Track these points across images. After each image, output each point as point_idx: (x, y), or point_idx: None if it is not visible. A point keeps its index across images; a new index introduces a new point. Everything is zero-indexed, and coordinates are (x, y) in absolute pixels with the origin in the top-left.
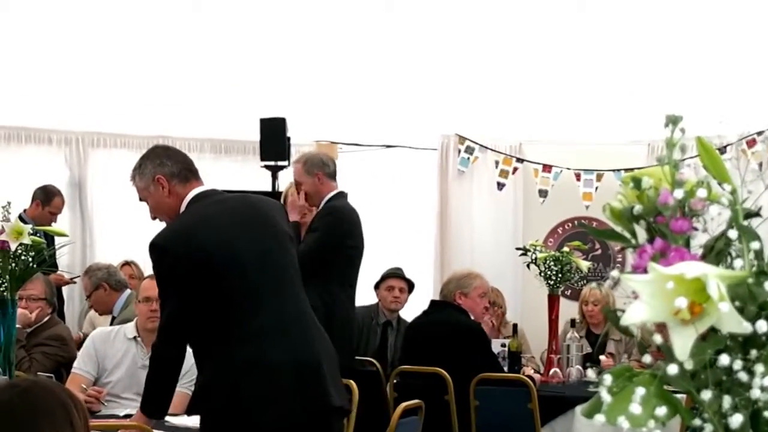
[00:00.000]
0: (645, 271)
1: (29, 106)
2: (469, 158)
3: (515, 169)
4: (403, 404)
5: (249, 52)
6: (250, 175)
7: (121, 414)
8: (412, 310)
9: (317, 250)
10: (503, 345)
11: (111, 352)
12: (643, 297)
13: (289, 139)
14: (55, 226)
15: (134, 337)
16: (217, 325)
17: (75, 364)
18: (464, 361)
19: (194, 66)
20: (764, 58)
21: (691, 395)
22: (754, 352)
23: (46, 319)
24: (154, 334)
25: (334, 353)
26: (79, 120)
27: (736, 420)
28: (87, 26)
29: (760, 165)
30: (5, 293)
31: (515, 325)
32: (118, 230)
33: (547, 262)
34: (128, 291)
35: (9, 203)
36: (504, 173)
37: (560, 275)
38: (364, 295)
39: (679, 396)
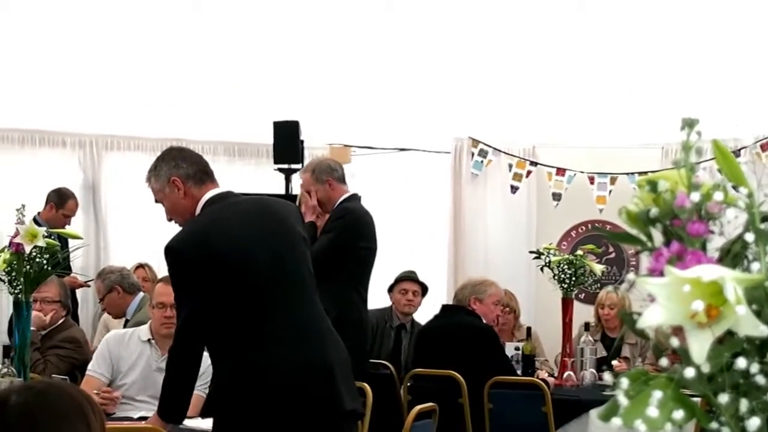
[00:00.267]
0: (661, 274)
1: (43, 110)
2: (482, 161)
3: (529, 173)
4: (417, 407)
5: (263, 55)
6: (263, 178)
7: (136, 416)
8: (425, 313)
9: (330, 251)
10: (517, 348)
11: (125, 355)
12: (660, 300)
13: (302, 142)
14: (69, 229)
15: (148, 340)
16: (231, 329)
17: (89, 367)
18: (478, 364)
19: (208, 69)
20: None
21: (708, 399)
22: None
23: (60, 321)
24: (168, 339)
25: (347, 356)
26: (93, 123)
27: (754, 423)
28: (102, 29)
29: None
30: (20, 295)
31: (529, 329)
32: (132, 233)
33: (561, 265)
34: (141, 294)
35: (23, 206)
36: (517, 176)
37: (574, 278)
38: (378, 298)
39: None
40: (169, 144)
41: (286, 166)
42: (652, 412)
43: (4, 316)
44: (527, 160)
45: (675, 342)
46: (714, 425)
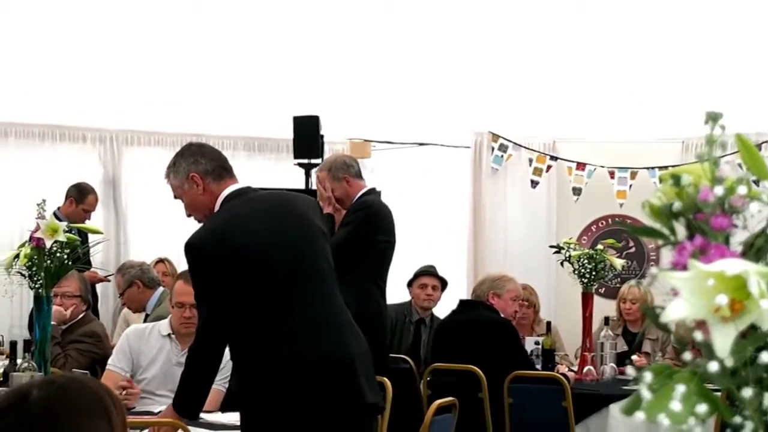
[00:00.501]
0: (685, 268)
1: (64, 105)
2: (502, 156)
3: (549, 167)
4: (437, 402)
5: (283, 50)
6: (283, 173)
7: (156, 411)
8: (445, 307)
9: (347, 243)
10: (537, 343)
11: (146, 349)
12: (683, 294)
13: (322, 137)
14: (89, 224)
15: (168, 335)
16: (252, 324)
17: (110, 361)
18: (497, 359)
19: (228, 64)
20: None
21: (731, 393)
22: None
23: (80, 316)
24: (189, 337)
25: (368, 350)
26: (114, 118)
27: None
28: (122, 24)
29: None
30: (40, 290)
31: (549, 323)
32: (152, 228)
33: (581, 259)
34: (161, 288)
35: (44, 201)
36: (538, 171)
37: (594, 273)
38: (397, 292)
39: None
40: (189, 139)
41: (305, 161)
42: (676, 406)
43: (24, 311)
44: (547, 154)
45: (698, 336)
46: (737, 419)
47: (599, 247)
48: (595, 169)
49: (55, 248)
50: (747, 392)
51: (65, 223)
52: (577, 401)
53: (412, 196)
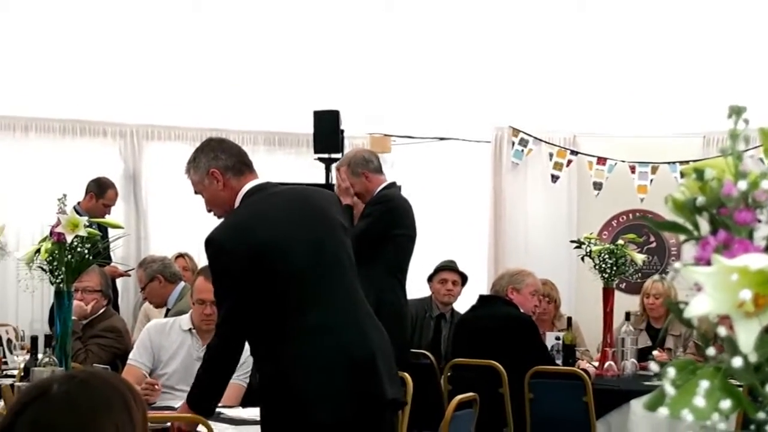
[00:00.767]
0: (708, 263)
1: (84, 100)
2: (523, 150)
3: (569, 162)
4: (458, 397)
5: (303, 45)
6: (303, 168)
7: (176, 406)
8: (465, 302)
9: (365, 235)
10: (557, 338)
11: (167, 344)
12: (707, 289)
13: (342, 131)
14: (109, 218)
15: (189, 329)
16: (273, 321)
17: (131, 356)
18: (516, 354)
19: (249, 59)
20: None
21: (754, 388)
22: None
23: (101, 311)
24: (209, 333)
25: (390, 345)
26: (134, 112)
27: None
28: (143, 18)
29: None
30: (61, 285)
31: (569, 318)
32: (172, 222)
33: (602, 255)
34: (183, 283)
35: (65, 195)
36: (558, 166)
37: (615, 268)
38: (418, 287)
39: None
40: (209, 134)
41: (326, 155)
42: (699, 401)
43: (45, 306)
44: (568, 149)
45: (722, 331)
46: (761, 415)
47: (620, 242)
48: (615, 163)
49: (75, 243)
50: None
51: (86, 218)
52: (598, 397)
53: (432, 190)
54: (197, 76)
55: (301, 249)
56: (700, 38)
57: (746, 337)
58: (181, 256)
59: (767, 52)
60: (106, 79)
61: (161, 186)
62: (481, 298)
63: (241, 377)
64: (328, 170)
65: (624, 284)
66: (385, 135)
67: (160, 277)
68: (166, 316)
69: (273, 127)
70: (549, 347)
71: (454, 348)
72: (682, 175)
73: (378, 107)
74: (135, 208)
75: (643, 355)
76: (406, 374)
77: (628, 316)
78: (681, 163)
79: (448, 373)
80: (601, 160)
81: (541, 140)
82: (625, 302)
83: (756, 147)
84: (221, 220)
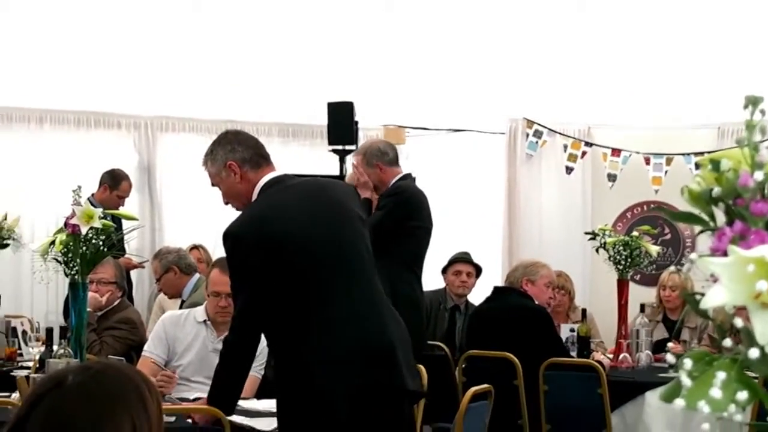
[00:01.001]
0: (724, 254)
1: (99, 91)
2: (537, 142)
3: (584, 153)
4: (473, 389)
5: (317, 36)
6: (317, 160)
7: (191, 397)
8: (480, 294)
9: (379, 227)
10: (572, 330)
11: (181, 336)
12: (723, 280)
13: (356, 123)
14: (123, 210)
15: (204, 321)
16: (291, 314)
17: (145, 347)
18: (531, 346)
19: (263, 50)
20: None
21: None
22: None
23: (116, 302)
24: (224, 324)
25: (408, 338)
26: (148, 104)
27: None
28: (157, 10)
29: None
30: (76, 277)
31: (584, 310)
32: (187, 214)
33: (617, 246)
34: (198, 275)
35: (79, 187)
36: (572, 157)
37: (629, 260)
38: (432, 279)
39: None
40: (223, 125)
41: (340, 147)
42: (716, 393)
43: (60, 298)
44: (582, 140)
45: (738, 322)
46: None
47: (635, 233)
48: (630, 155)
49: (90, 235)
50: None
51: (101, 210)
52: (613, 389)
53: (446, 182)
54: (212, 67)
55: (320, 241)
56: (715, 29)
57: (763, 328)
58: (195, 247)
59: None
60: (121, 71)
61: (176, 177)
62: (496, 289)
63: (256, 368)
64: (342, 162)
65: (639, 276)
66: (400, 126)
67: (175, 269)
68: (180, 307)
69: (287, 119)
70: (564, 339)
71: (468, 340)
72: (697, 166)
73: (392, 99)
74: (149, 200)
75: (660, 346)
76: (421, 366)
77: (642, 307)
78: (696, 154)
79: (463, 365)
80: (616, 152)
81: (555, 132)
82: (640, 294)
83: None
84: (238, 212)
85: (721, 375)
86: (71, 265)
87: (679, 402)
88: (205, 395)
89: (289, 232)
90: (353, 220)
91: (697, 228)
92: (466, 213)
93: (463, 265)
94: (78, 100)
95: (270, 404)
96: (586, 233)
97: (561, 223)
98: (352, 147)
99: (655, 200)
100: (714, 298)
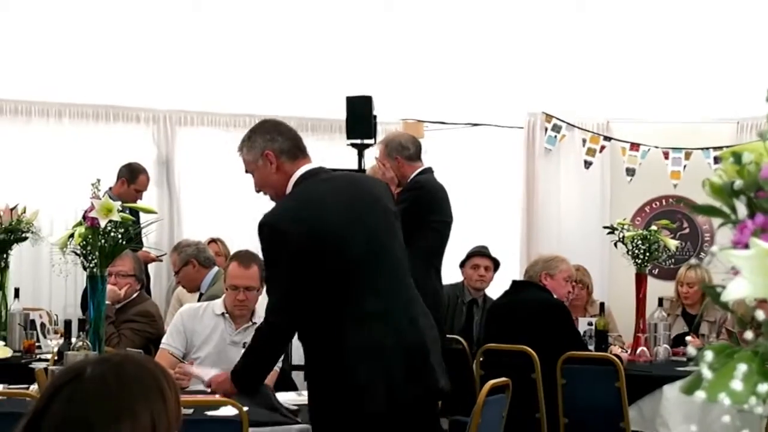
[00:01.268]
0: (746, 246)
1: (117, 85)
2: (555, 136)
3: (602, 148)
4: (491, 382)
5: (336, 30)
6: (336, 154)
7: (209, 390)
8: (498, 288)
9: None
10: (590, 324)
11: (199, 328)
12: (744, 273)
13: (375, 117)
14: (141, 203)
15: (222, 314)
16: (324, 307)
17: (164, 340)
18: (549, 340)
19: (282, 45)
20: None
21: None
22: None
23: (134, 295)
24: (242, 318)
25: (437, 334)
26: (167, 98)
27: None
28: (176, 4)
29: None
30: (95, 269)
31: (602, 304)
32: (205, 208)
33: (635, 240)
34: (216, 268)
35: (98, 180)
36: (591, 151)
37: (648, 254)
38: (450, 273)
39: None
40: (242, 120)
41: (358, 141)
42: (737, 385)
43: (78, 290)
44: (601, 135)
45: (760, 315)
46: None
47: (653, 227)
48: (649, 149)
49: (109, 228)
50: None
51: (119, 203)
52: (630, 383)
53: (464, 176)
54: (230, 61)
55: (357, 237)
56: (736, 22)
57: None
58: (213, 241)
59: None
60: (140, 65)
61: (194, 171)
62: (515, 283)
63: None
64: (360, 156)
65: (657, 270)
66: (418, 121)
67: (194, 262)
68: (199, 300)
69: (305, 113)
70: (582, 333)
71: (486, 333)
72: (716, 160)
73: (411, 93)
74: (168, 194)
75: (678, 341)
76: None
77: (661, 301)
78: (714, 148)
79: (480, 359)
80: (635, 146)
81: (574, 126)
82: (658, 288)
83: None
84: (271, 203)
85: (742, 367)
86: (90, 258)
87: (700, 394)
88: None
89: (327, 224)
90: (389, 217)
91: (716, 222)
92: (485, 207)
93: (481, 258)
94: (97, 94)
95: (287, 397)
96: (605, 227)
97: (579, 218)
98: (371, 141)
99: (674, 194)
100: (735, 291)
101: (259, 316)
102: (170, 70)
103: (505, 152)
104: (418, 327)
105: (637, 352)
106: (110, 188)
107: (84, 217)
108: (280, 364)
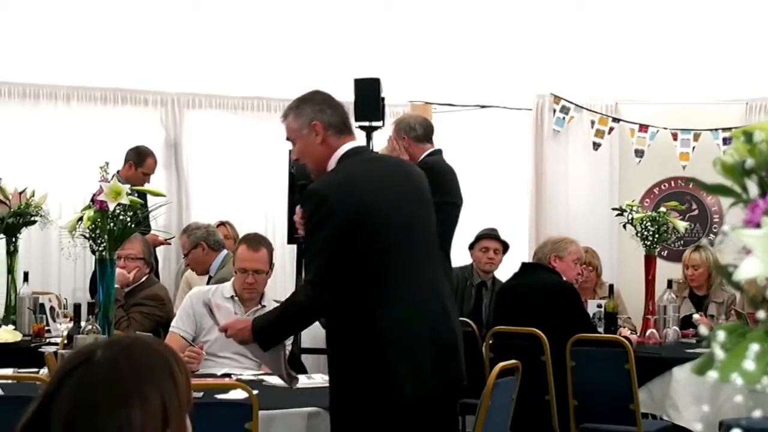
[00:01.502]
0: (757, 225)
1: (126, 68)
2: (564, 118)
3: (611, 129)
4: (500, 364)
5: (344, 12)
6: None
7: (219, 373)
8: (507, 270)
9: None
10: (599, 306)
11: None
12: (756, 252)
13: (383, 99)
14: (149, 186)
15: (231, 297)
16: (360, 289)
17: (173, 323)
18: (559, 322)
19: (290, 27)
20: None
21: None
22: None
23: (143, 278)
24: (251, 302)
25: (460, 325)
26: (175, 81)
27: None
28: None
29: None
30: (104, 253)
31: (611, 286)
32: (213, 191)
33: (644, 222)
34: (225, 251)
35: (107, 164)
36: (600, 133)
37: (657, 236)
38: (459, 256)
39: None
40: (250, 102)
41: (367, 123)
42: (749, 365)
43: (87, 274)
44: (610, 116)
45: None
46: None
47: (662, 209)
48: (657, 131)
49: (118, 211)
50: None
51: (128, 186)
52: (640, 364)
53: (473, 158)
54: (239, 44)
55: (398, 219)
56: (744, 3)
57: None
58: (222, 224)
59: None
60: (148, 48)
61: (202, 154)
62: (524, 265)
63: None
64: (369, 138)
65: (666, 252)
66: (426, 103)
67: (203, 244)
68: (208, 283)
69: None
70: (591, 315)
71: (495, 316)
72: (725, 141)
73: (419, 75)
74: (176, 177)
75: (687, 322)
76: None
77: (670, 283)
78: (723, 130)
79: (490, 341)
80: (643, 128)
81: (582, 107)
82: (667, 270)
83: None
84: (322, 175)
85: (755, 347)
86: (99, 241)
87: (712, 374)
88: (232, 370)
89: (374, 202)
90: (428, 205)
91: (725, 203)
92: (493, 189)
93: (490, 241)
94: (105, 77)
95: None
96: (614, 209)
97: (588, 199)
98: (379, 123)
99: (683, 176)
100: (747, 270)
101: (268, 299)
102: (178, 52)
103: (513, 134)
104: (449, 319)
105: (647, 334)
106: (118, 171)
107: (93, 201)
108: (290, 346)
